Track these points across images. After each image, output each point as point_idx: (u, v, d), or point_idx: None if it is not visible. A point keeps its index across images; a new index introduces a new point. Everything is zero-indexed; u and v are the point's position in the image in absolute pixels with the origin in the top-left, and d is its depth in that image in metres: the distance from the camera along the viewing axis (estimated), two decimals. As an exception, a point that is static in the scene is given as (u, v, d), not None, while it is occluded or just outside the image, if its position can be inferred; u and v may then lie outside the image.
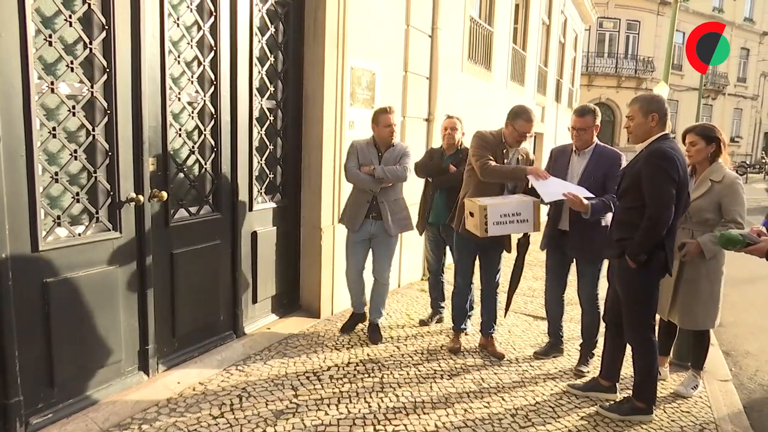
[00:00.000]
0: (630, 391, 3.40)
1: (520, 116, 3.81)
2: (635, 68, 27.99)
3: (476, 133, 3.88)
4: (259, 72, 4.07)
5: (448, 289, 4.54)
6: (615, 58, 28.07)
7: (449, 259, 4.67)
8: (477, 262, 4.14)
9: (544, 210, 3.76)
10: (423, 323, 4.70)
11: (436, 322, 4.75)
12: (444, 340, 4.36)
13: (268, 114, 4.23)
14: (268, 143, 4.26)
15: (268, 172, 4.30)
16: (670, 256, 3.10)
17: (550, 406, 3.42)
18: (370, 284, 4.39)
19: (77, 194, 2.92)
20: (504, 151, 3.86)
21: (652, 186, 2.98)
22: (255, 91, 4.02)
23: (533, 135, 3.80)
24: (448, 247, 4.64)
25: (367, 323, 4.43)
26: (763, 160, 30.10)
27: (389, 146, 4.16)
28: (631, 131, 3.18)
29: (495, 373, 3.84)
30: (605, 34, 28.36)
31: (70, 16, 2.78)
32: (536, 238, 4.00)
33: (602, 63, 27.92)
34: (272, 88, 4.23)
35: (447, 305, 4.84)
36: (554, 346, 4.18)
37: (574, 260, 3.91)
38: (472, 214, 3.71)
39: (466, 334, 4.40)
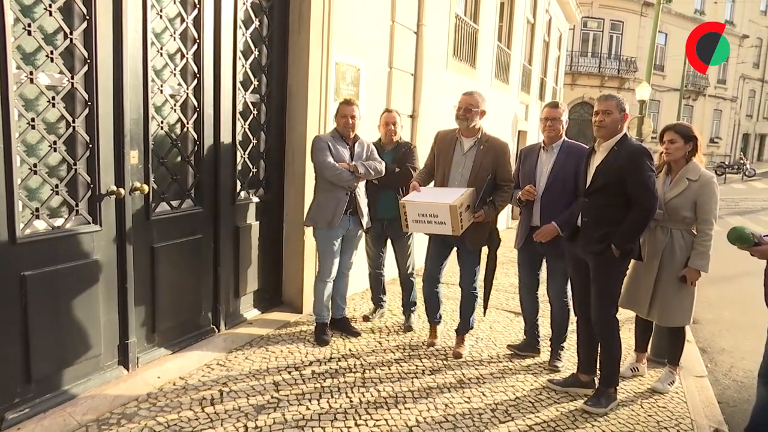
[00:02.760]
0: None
1: (463, 94, 3.94)
2: (618, 68, 28.26)
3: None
4: (243, 66, 4.04)
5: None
6: (598, 58, 28.31)
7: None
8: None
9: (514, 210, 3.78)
10: (366, 319, 4.68)
11: (379, 318, 4.74)
12: (426, 337, 4.37)
13: (251, 108, 4.20)
14: (251, 137, 4.24)
15: (251, 166, 4.28)
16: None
17: (529, 401, 3.46)
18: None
19: (56, 186, 2.88)
20: (458, 142, 3.91)
21: (642, 181, 3.14)
22: (239, 85, 4.00)
23: (474, 106, 3.81)
24: (390, 242, 4.62)
25: (328, 322, 4.30)
26: (741, 161, 30.60)
27: (356, 140, 4.10)
28: (604, 125, 3.25)
29: (476, 369, 3.87)
30: (589, 34, 28.59)
31: (50, 5, 2.74)
32: (509, 235, 4.02)
33: (586, 62, 28.14)
34: (256, 82, 4.21)
35: (388, 298, 4.92)
36: (530, 345, 4.18)
37: (545, 257, 3.93)
38: None
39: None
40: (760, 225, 12.47)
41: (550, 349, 4.05)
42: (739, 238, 2.53)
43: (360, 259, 4.41)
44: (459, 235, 3.65)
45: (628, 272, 3.58)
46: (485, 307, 4.25)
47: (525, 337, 4.23)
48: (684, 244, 3.54)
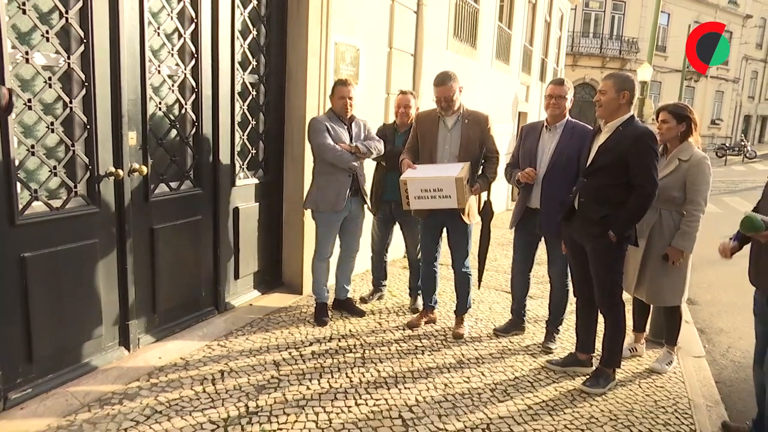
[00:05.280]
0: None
1: (434, 84, 3.84)
2: (620, 49, 28.01)
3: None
4: (242, 45, 4.00)
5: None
6: (600, 39, 28.05)
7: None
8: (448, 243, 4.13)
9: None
10: (363, 300, 4.67)
11: (377, 300, 4.75)
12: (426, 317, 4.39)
13: (250, 88, 4.17)
14: (250, 118, 4.21)
15: (250, 147, 4.26)
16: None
17: (528, 381, 3.49)
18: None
19: (54, 168, 2.87)
20: (440, 120, 3.88)
21: (646, 166, 3.10)
22: (237, 65, 3.96)
23: (452, 95, 3.78)
24: (398, 226, 4.61)
25: (331, 303, 4.36)
26: (742, 143, 30.49)
27: (352, 119, 4.06)
28: (600, 105, 3.25)
29: (475, 349, 3.89)
30: (591, 14, 28.29)
31: (45, -16, 2.70)
32: (510, 216, 4.03)
33: (587, 43, 27.88)
34: (255, 62, 4.17)
35: (388, 280, 4.92)
36: (515, 324, 4.21)
37: (543, 239, 3.93)
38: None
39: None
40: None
41: (545, 330, 4.07)
42: (752, 225, 2.56)
43: (361, 240, 4.41)
44: (463, 207, 3.67)
45: None
46: (479, 282, 4.26)
47: (511, 315, 4.25)
48: (673, 224, 3.54)
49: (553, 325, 4.01)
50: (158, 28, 3.36)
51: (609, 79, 3.23)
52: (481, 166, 3.93)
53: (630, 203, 3.14)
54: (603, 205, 3.21)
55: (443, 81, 3.78)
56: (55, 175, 2.89)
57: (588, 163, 3.30)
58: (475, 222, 4.02)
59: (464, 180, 3.56)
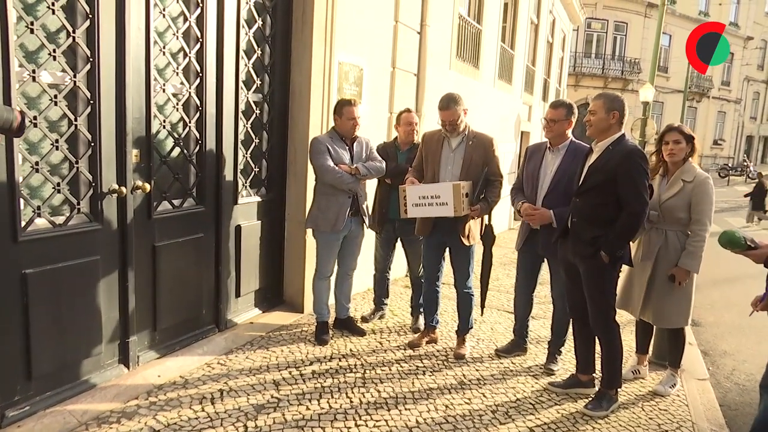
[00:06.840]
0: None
1: (438, 107, 3.86)
2: (622, 69, 28.23)
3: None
4: (246, 65, 4.04)
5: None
6: (602, 59, 28.28)
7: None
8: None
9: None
10: (364, 319, 4.64)
11: (378, 319, 4.72)
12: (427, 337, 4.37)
13: (254, 107, 4.20)
14: (253, 137, 4.24)
15: (253, 165, 4.28)
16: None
17: (530, 403, 3.45)
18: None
19: (58, 185, 2.88)
20: (445, 140, 3.90)
21: (634, 184, 3.09)
22: (241, 84, 3.99)
23: (456, 120, 3.80)
24: (400, 244, 4.60)
25: (332, 322, 4.34)
26: (745, 163, 30.51)
27: (355, 139, 4.09)
28: (591, 125, 3.27)
29: (477, 370, 3.86)
30: (593, 35, 28.55)
31: (53, 4, 2.74)
32: (512, 236, 4.02)
33: (589, 63, 28.11)
34: (259, 82, 4.20)
35: (390, 300, 4.89)
36: (517, 344, 4.18)
37: (546, 259, 3.92)
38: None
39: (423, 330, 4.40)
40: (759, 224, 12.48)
41: (547, 350, 4.04)
42: (730, 241, 2.46)
43: (362, 259, 4.41)
44: (461, 215, 3.67)
45: (621, 274, 3.56)
46: (482, 306, 4.25)
47: (513, 336, 4.22)
48: (679, 245, 3.53)
49: (555, 346, 3.98)
50: (164, 47, 3.40)
51: (598, 100, 3.26)
52: (484, 190, 3.91)
53: (619, 223, 3.13)
54: (595, 225, 3.21)
55: (447, 105, 3.79)
56: (59, 192, 2.90)
57: (579, 183, 3.31)
58: (476, 243, 4.01)
59: (462, 189, 3.59)
